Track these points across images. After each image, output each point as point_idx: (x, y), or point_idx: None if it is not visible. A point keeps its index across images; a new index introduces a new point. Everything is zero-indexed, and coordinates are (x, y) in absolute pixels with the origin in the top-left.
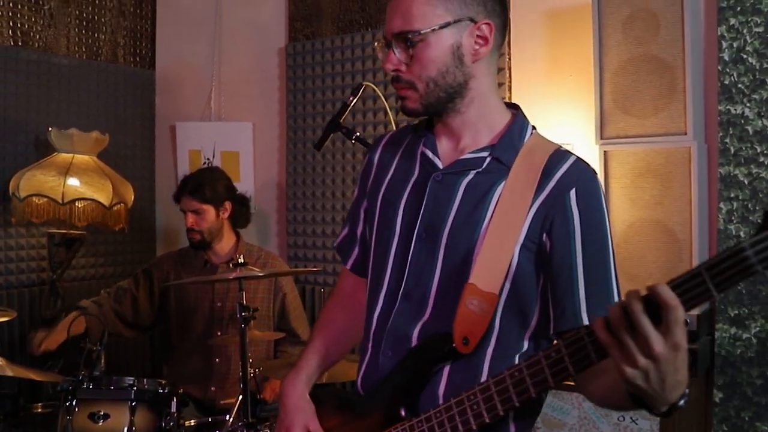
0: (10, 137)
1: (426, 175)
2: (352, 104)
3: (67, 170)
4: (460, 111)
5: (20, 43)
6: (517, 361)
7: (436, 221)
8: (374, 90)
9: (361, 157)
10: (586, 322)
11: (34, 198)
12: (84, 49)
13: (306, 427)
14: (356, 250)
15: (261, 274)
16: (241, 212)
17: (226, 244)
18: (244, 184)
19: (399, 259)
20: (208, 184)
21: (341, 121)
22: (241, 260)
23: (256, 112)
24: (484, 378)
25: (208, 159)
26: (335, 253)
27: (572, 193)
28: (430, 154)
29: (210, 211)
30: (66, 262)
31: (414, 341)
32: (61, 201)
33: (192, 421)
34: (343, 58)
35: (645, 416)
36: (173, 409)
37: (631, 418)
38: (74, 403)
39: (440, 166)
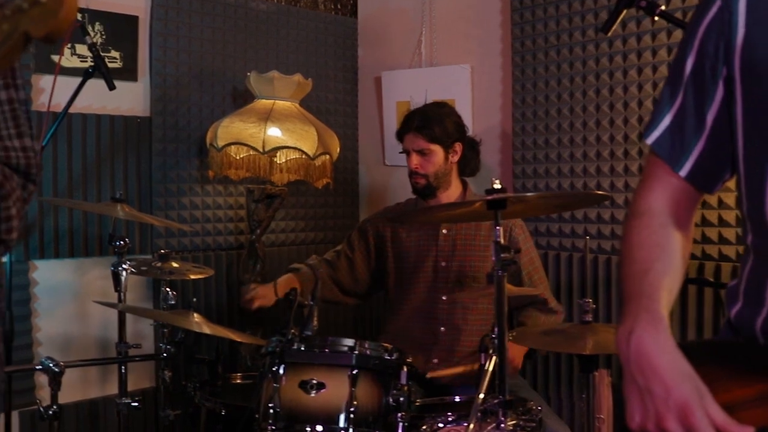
0: (207, 86)
1: None
2: None
3: (267, 117)
4: None
5: None
6: None
7: None
8: None
9: (620, 93)
10: None
11: (232, 148)
12: None
13: (698, 390)
14: (701, 145)
15: (530, 194)
16: (471, 157)
17: (452, 192)
18: None
19: None
20: (437, 120)
21: None
22: (497, 185)
23: (474, 53)
24: None
25: None
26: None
27: None
28: None
29: (438, 152)
30: (266, 220)
31: None
32: (262, 150)
33: (416, 401)
34: None
35: None
36: (402, 380)
37: None
38: (282, 368)
39: None
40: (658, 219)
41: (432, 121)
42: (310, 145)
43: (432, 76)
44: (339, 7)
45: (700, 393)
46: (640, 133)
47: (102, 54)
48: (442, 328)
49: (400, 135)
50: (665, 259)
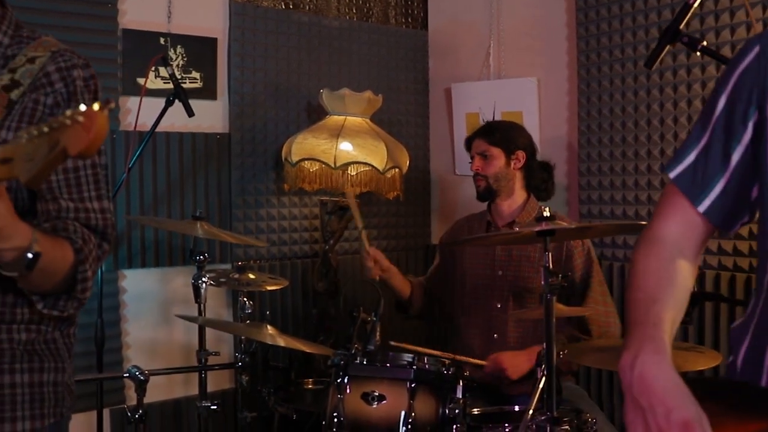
0: (283, 102)
1: None
2: (696, 3)
3: (339, 133)
4: None
5: (291, 6)
6: None
7: None
8: None
9: (683, 90)
10: None
11: (306, 163)
12: (354, 11)
13: (699, 412)
14: (722, 183)
15: (572, 226)
16: (544, 178)
17: (514, 200)
18: None
19: None
20: (501, 127)
21: (681, 27)
22: (547, 213)
23: (540, 66)
24: None
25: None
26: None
27: None
28: None
29: (499, 155)
30: (338, 231)
31: None
32: (333, 165)
33: (475, 409)
34: None
35: None
36: (458, 394)
37: None
38: (346, 380)
39: None
40: (670, 250)
41: (496, 128)
42: (379, 160)
43: (500, 88)
44: (410, 20)
45: (700, 415)
46: (662, 164)
47: (183, 75)
48: (495, 335)
49: (468, 142)
50: (672, 291)
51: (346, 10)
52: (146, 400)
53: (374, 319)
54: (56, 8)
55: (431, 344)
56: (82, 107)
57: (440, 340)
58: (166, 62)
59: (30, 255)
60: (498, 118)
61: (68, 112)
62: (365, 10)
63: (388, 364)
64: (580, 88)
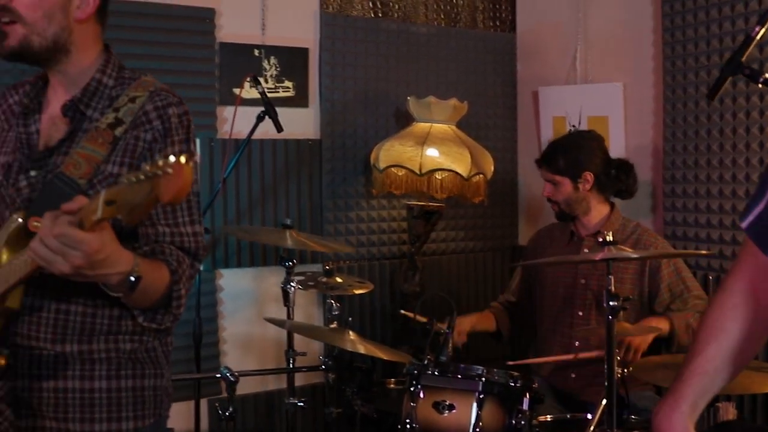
0: (372, 109)
1: None
2: (758, 36)
3: (425, 140)
4: None
5: (380, 14)
6: None
7: None
8: None
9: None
10: None
11: (392, 169)
12: (442, 16)
13: None
14: None
15: (634, 256)
16: (618, 180)
17: (594, 216)
18: (614, 152)
19: None
20: (563, 153)
21: (743, 59)
22: (609, 237)
23: (626, 71)
24: None
25: (573, 126)
26: (725, 233)
27: None
28: None
29: (565, 183)
30: (424, 235)
31: None
32: (419, 172)
33: (548, 416)
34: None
35: None
36: (525, 406)
37: None
38: (419, 388)
39: None
40: (733, 299)
41: (559, 154)
42: (464, 167)
43: (586, 92)
44: (497, 23)
45: None
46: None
47: (276, 85)
48: (577, 343)
49: (537, 165)
50: (722, 341)
51: (434, 16)
52: (241, 391)
53: (447, 331)
54: (158, 25)
55: (514, 353)
56: (172, 158)
57: (521, 347)
58: (257, 81)
59: (132, 278)
60: (584, 122)
61: (161, 162)
62: (453, 15)
63: (458, 376)
64: (665, 94)
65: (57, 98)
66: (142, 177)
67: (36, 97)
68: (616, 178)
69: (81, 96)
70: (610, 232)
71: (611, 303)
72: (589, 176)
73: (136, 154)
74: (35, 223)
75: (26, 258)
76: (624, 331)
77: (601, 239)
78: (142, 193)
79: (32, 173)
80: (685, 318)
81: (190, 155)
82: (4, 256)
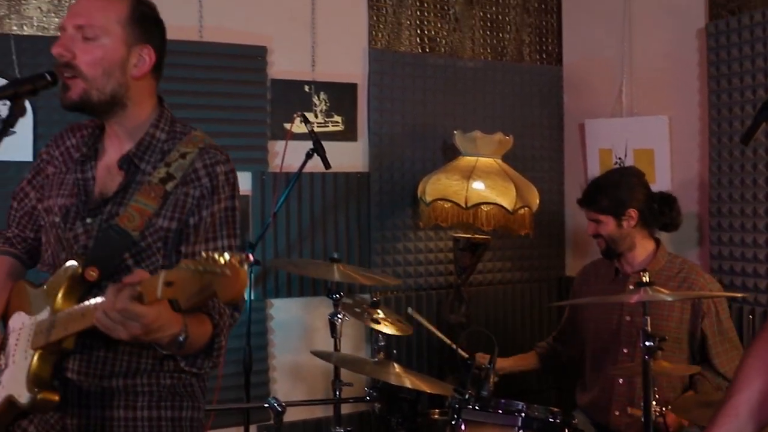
0: (419, 142)
1: None
2: None
3: (470, 174)
4: None
5: (427, 50)
6: None
7: None
8: None
9: None
10: None
11: (439, 202)
12: (489, 50)
13: None
14: None
15: (668, 299)
16: (661, 214)
17: (639, 253)
18: (660, 185)
19: None
20: (605, 191)
21: None
22: (646, 278)
23: (671, 104)
24: None
25: (619, 158)
26: None
27: None
28: None
29: (609, 221)
30: (470, 267)
31: None
32: (464, 205)
33: None
34: None
35: None
36: None
37: None
38: (460, 422)
39: None
40: (765, 348)
41: (601, 193)
42: (509, 200)
43: (632, 125)
44: (544, 56)
45: None
46: None
47: (326, 119)
48: (620, 380)
49: (579, 203)
50: (755, 383)
51: (481, 50)
52: (291, 418)
53: (488, 366)
54: (213, 63)
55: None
56: (227, 256)
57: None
58: (306, 120)
59: (181, 338)
60: (630, 155)
61: (222, 261)
62: (499, 49)
63: (499, 411)
64: (711, 127)
65: (113, 148)
66: (200, 268)
67: (93, 145)
68: (660, 212)
69: (135, 150)
70: (647, 273)
71: (647, 343)
72: (633, 213)
73: (185, 209)
74: (92, 273)
75: (87, 313)
76: (662, 371)
77: (637, 281)
78: (200, 285)
79: (88, 220)
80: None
81: (245, 257)
82: (60, 300)
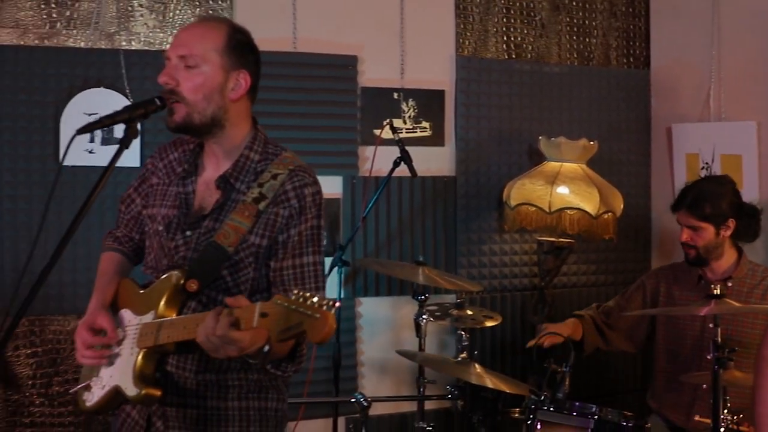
0: (505, 147)
1: None
2: None
3: (554, 179)
4: None
5: (513, 56)
6: None
7: None
8: None
9: None
10: None
11: (523, 206)
12: (575, 55)
13: None
14: None
15: (735, 311)
16: (749, 226)
17: (725, 261)
18: (747, 192)
19: None
20: (710, 199)
21: None
22: (717, 291)
23: (760, 109)
24: None
25: (706, 163)
26: None
27: None
28: None
29: (709, 229)
30: (554, 270)
31: None
32: (548, 210)
33: None
34: None
35: None
36: None
37: None
38: (536, 422)
39: None
40: None
41: (705, 200)
42: (592, 206)
43: (719, 130)
44: (631, 60)
45: None
46: None
47: (414, 125)
48: (704, 386)
49: (674, 208)
50: None
51: (567, 55)
52: (377, 411)
53: (565, 369)
54: (306, 73)
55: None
56: (315, 300)
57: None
58: (394, 129)
59: (266, 350)
60: (717, 160)
61: (316, 304)
62: (586, 53)
63: (573, 413)
64: None
65: (211, 165)
66: (292, 307)
67: (194, 161)
68: (748, 224)
69: (232, 171)
70: (719, 286)
71: (716, 354)
72: (731, 223)
73: (275, 227)
74: (192, 285)
75: (188, 327)
76: (734, 380)
77: (708, 294)
78: (291, 322)
79: (188, 233)
80: None
81: (333, 304)
82: (162, 306)
